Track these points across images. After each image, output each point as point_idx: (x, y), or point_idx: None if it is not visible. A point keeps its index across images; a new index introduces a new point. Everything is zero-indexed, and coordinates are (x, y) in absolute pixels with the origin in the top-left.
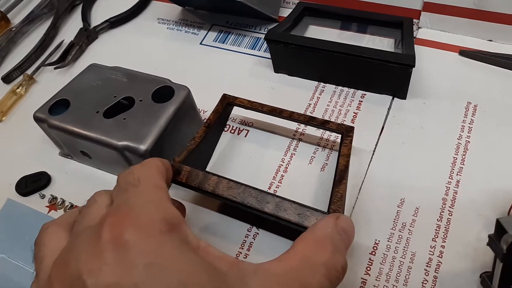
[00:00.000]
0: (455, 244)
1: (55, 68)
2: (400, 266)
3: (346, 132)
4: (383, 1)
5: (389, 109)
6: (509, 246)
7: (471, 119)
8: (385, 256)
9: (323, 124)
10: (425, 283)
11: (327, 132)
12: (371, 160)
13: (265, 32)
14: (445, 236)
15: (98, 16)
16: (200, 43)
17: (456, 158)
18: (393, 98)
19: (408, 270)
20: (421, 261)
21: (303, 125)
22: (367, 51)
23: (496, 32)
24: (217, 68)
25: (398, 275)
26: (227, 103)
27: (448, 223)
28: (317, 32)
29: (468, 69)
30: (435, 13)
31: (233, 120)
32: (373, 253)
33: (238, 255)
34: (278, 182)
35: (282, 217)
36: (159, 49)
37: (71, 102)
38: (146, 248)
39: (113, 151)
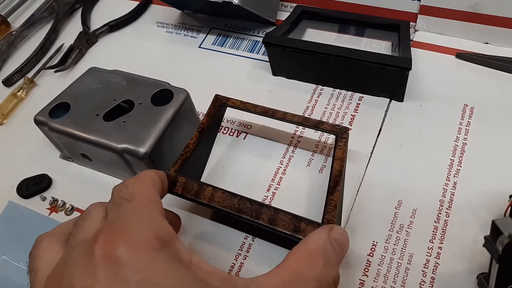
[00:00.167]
0: (452, 246)
1: (55, 72)
2: (398, 268)
3: (341, 133)
4: (380, 4)
5: (386, 111)
6: (504, 247)
7: (468, 121)
8: (383, 257)
9: (317, 125)
10: (423, 284)
11: (325, 134)
12: (368, 162)
13: (263, 36)
14: (442, 237)
15: (97, 19)
16: (199, 47)
17: (453, 160)
18: (390, 101)
19: (405, 271)
20: (418, 262)
21: (301, 127)
22: (364, 54)
23: (492, 34)
24: (215, 71)
25: (396, 276)
26: (219, 104)
27: (445, 224)
28: (314, 35)
29: (464, 71)
30: (431, 16)
31: (232, 123)
32: (371, 254)
33: (233, 263)
34: (277, 184)
35: (277, 229)
36: (158, 52)
37: (71, 105)
38: (138, 264)
39: (113, 154)
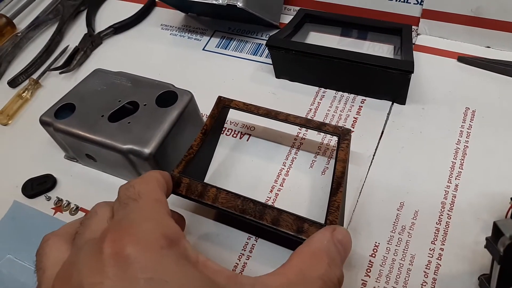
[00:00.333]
0: (454, 247)
1: (60, 73)
2: (400, 268)
3: (343, 134)
4: (383, 8)
5: (388, 114)
6: (506, 248)
7: (470, 124)
8: (385, 258)
9: (319, 126)
10: (425, 285)
11: (328, 136)
12: (371, 164)
13: (267, 38)
14: (444, 239)
15: (102, 22)
16: (203, 49)
17: (455, 162)
18: (392, 104)
19: (407, 272)
20: (420, 263)
21: (304, 129)
22: (367, 57)
23: (494, 38)
24: (219, 73)
25: (398, 277)
26: (222, 106)
27: (447, 226)
28: (317, 38)
29: (466, 75)
30: (433, 20)
31: (235, 125)
32: (373, 255)
33: (236, 264)
34: (280, 185)
35: (280, 229)
36: (162, 54)
37: (76, 106)
38: (146, 263)
39: (118, 154)
